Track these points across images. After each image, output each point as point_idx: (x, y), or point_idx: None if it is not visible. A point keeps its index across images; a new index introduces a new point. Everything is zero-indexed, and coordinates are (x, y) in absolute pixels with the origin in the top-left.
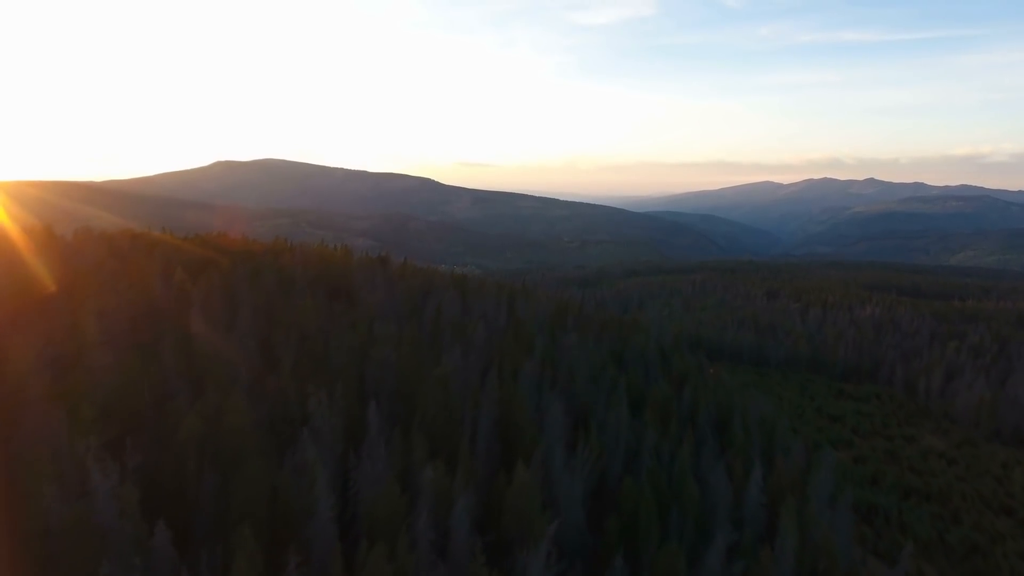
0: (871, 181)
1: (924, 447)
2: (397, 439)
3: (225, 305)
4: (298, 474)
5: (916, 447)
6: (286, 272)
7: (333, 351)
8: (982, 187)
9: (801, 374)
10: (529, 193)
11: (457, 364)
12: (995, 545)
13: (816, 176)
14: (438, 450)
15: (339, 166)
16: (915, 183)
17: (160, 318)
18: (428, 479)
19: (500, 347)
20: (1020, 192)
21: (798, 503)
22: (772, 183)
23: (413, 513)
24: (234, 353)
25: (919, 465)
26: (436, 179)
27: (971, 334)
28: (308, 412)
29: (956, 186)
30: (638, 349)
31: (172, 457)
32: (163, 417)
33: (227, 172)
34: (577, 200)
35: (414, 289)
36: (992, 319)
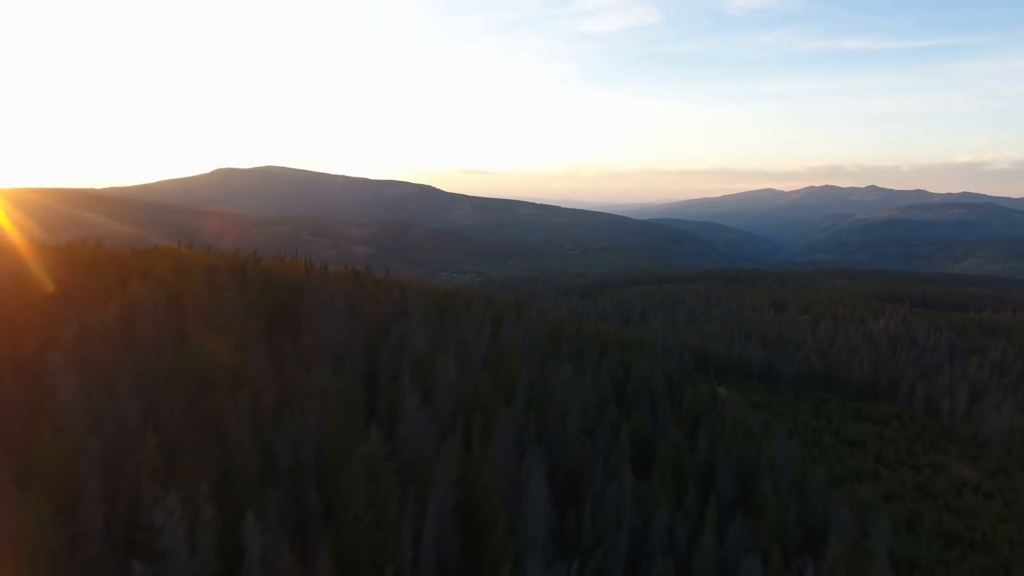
0: (873, 188)
1: (956, 478)
2: (291, 563)
3: (114, 347)
4: None
5: (947, 478)
6: (217, 296)
7: (233, 415)
8: (984, 194)
9: (814, 392)
10: (530, 200)
11: (411, 422)
12: None
13: (818, 183)
14: (358, 572)
15: (340, 173)
16: (917, 190)
17: (17, 372)
18: None
19: (473, 391)
20: (1023, 199)
21: None
22: (774, 190)
23: None
24: (104, 424)
25: (955, 503)
26: (437, 186)
27: (992, 349)
28: (155, 525)
29: (958, 193)
30: (643, 379)
31: None
32: None
33: (228, 179)
34: (578, 207)
35: (382, 311)
36: (1012, 332)
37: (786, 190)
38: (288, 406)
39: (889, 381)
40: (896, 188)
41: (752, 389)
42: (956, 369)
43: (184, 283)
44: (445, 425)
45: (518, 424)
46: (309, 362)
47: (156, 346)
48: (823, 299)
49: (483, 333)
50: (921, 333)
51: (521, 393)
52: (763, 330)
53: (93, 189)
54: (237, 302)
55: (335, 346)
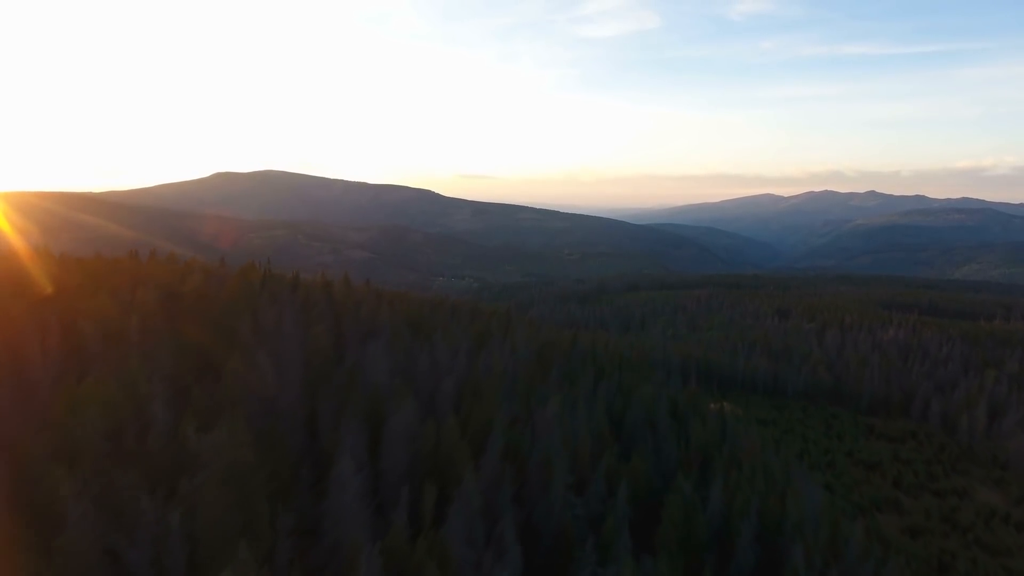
0: (872, 194)
1: (982, 506)
2: None
3: None
4: None
5: (973, 506)
6: (126, 320)
7: (73, 503)
8: (984, 200)
9: (823, 407)
10: (529, 205)
11: (343, 492)
12: None
13: (817, 188)
14: None
15: (339, 177)
16: (916, 196)
17: None
18: None
19: (436, 439)
20: (1022, 205)
21: None
22: (773, 195)
23: None
24: None
25: (986, 537)
26: (436, 191)
27: (1008, 361)
28: None
29: (958, 199)
30: (644, 409)
31: None
32: None
33: (226, 183)
34: (577, 212)
35: (346, 332)
36: None
37: (785, 195)
38: (152, 487)
39: (902, 395)
40: (895, 193)
41: (758, 404)
42: (972, 383)
43: (92, 303)
44: (394, 490)
45: (490, 481)
46: (219, 412)
47: (14, 395)
48: (828, 306)
49: (460, 357)
50: (933, 343)
51: (496, 439)
52: (767, 339)
53: (92, 193)
54: (150, 329)
55: (269, 385)
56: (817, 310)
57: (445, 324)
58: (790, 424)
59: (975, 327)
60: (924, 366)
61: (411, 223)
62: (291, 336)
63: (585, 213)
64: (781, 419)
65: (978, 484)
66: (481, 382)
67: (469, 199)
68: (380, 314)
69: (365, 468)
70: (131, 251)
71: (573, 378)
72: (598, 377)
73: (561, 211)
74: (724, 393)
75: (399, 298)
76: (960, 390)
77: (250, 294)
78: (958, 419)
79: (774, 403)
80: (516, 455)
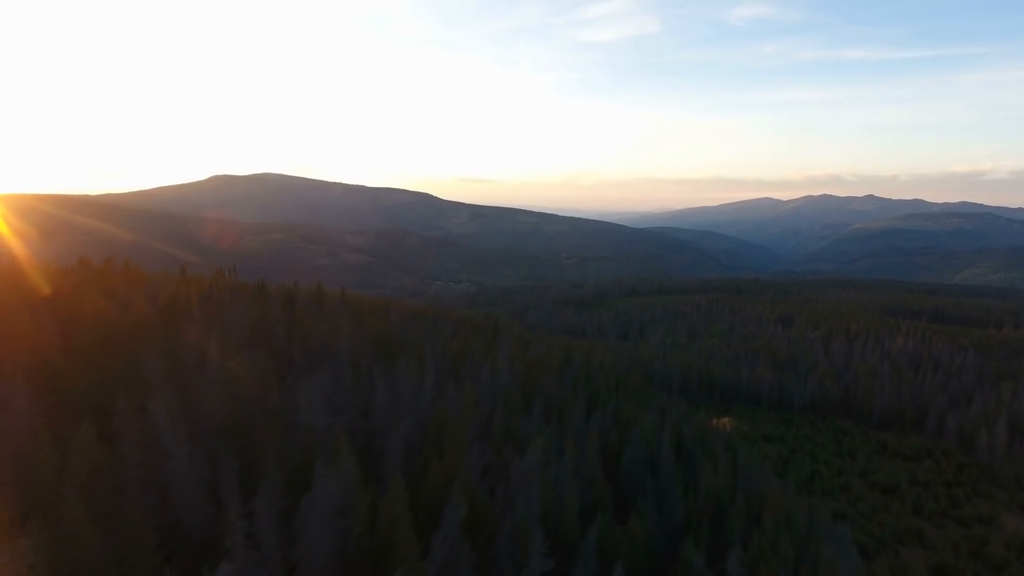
0: (871, 198)
1: (1011, 536)
2: None
3: None
4: None
5: (1001, 536)
6: None
7: None
8: (982, 204)
9: (832, 421)
10: (528, 208)
11: None
12: None
13: (816, 192)
14: None
15: (338, 181)
16: (915, 200)
17: None
18: None
19: (373, 515)
20: (1021, 209)
21: None
22: (772, 199)
23: None
24: None
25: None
26: (435, 194)
27: None
28: None
29: (956, 203)
30: (645, 445)
31: None
32: None
33: (224, 186)
34: (576, 215)
35: (295, 355)
36: None
37: (784, 199)
38: None
39: (915, 409)
40: (894, 197)
41: (763, 417)
42: (989, 396)
43: None
44: None
45: (445, 566)
46: (59, 491)
47: None
48: (832, 313)
49: (427, 387)
50: (944, 353)
51: (455, 508)
52: (771, 348)
53: (89, 195)
54: (11, 368)
55: (165, 440)
56: (821, 317)
57: (418, 342)
58: (798, 441)
59: (987, 336)
60: (936, 377)
61: (409, 226)
62: (213, 369)
63: (584, 217)
64: (789, 436)
65: (1004, 510)
66: (448, 422)
67: (467, 202)
68: (342, 332)
69: (272, 559)
70: (81, 259)
71: (562, 409)
72: (591, 406)
73: (560, 215)
74: (728, 406)
75: (376, 309)
76: (976, 404)
77: (182, 314)
78: (976, 436)
79: (780, 417)
80: (482, 525)
